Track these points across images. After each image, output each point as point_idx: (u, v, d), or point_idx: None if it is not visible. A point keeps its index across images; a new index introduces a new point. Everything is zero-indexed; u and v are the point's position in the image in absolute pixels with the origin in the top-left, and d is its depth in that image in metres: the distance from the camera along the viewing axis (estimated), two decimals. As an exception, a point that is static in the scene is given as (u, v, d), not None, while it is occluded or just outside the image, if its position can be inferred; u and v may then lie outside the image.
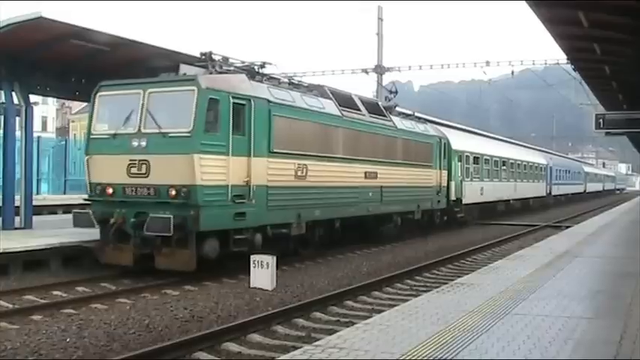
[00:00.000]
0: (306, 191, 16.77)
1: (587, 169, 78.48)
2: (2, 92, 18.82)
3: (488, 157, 34.46)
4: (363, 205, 19.89)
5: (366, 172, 20.03)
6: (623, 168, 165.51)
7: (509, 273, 11.86)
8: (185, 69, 14.68)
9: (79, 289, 13.14)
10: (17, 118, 18.19)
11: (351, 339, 6.93)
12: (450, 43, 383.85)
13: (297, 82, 18.47)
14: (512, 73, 39.19)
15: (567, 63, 23.88)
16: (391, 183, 21.63)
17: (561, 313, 8.39)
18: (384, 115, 22.04)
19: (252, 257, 13.56)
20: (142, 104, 13.92)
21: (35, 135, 21.21)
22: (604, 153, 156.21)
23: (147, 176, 13.65)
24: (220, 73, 15.00)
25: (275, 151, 15.45)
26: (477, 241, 23.25)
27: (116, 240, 14.00)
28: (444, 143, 27.25)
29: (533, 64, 38.77)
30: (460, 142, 30.87)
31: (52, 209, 26.37)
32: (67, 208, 23.60)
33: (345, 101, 19.55)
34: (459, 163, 29.44)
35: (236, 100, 14.25)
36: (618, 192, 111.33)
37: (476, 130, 46.50)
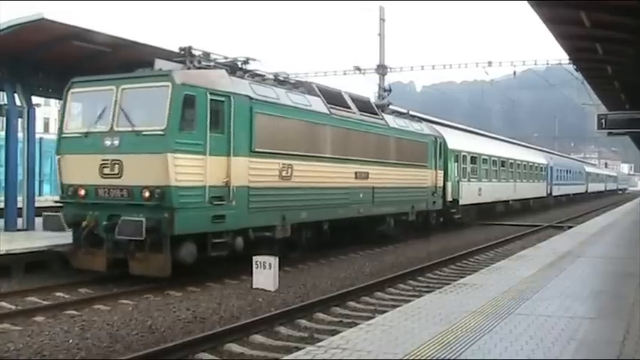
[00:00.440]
0: (291, 192, 16.10)
1: (588, 169, 78.32)
2: (4, 94, 18.85)
3: (486, 157, 33.83)
4: (353, 207, 19.25)
5: (356, 173, 19.40)
6: (625, 168, 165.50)
7: (511, 273, 11.86)
8: (161, 64, 14.04)
9: (82, 290, 13.16)
10: (19, 120, 18.23)
11: (354, 340, 6.92)
12: (452, 43, 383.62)
13: (283, 79, 17.85)
14: (515, 73, 39.19)
15: (569, 63, 23.89)
16: (383, 183, 20.99)
17: (564, 313, 8.39)
18: (376, 114, 21.42)
19: (255, 258, 13.54)
20: (115, 101, 13.35)
21: (37, 136, 21.22)
22: (606, 153, 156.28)
23: (120, 177, 13.07)
24: (200, 68, 14.44)
25: (257, 150, 14.82)
26: (479, 242, 23.25)
27: (89, 244, 13.40)
28: (440, 142, 26.65)
29: (535, 64, 38.78)
30: (457, 141, 30.25)
31: (54, 211, 26.31)
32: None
33: (333, 98, 18.93)
34: (456, 163, 28.89)
35: (214, 97, 13.66)
36: (620, 192, 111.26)
37: (474, 130, 45.85)
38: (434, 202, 25.59)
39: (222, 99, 13.91)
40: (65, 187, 14.03)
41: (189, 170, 13.04)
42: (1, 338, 9.21)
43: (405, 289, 14.39)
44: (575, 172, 65.19)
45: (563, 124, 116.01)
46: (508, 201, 37.94)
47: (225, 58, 15.85)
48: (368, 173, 20.01)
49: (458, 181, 28.80)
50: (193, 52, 14.75)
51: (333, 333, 8.70)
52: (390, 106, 24.79)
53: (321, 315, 11.35)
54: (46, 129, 70.06)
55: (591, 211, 43.68)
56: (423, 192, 24.51)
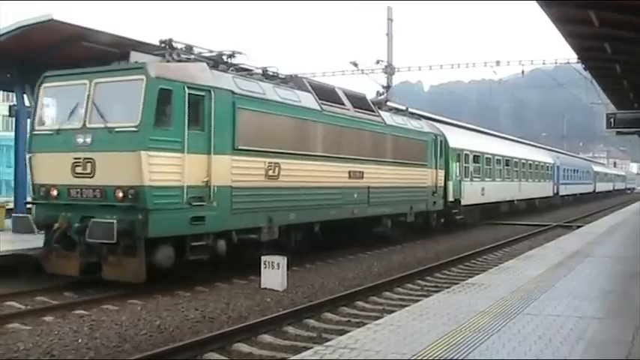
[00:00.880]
0: (278, 192, 15.35)
1: (596, 168, 77.91)
2: (14, 94, 18.95)
3: (489, 156, 32.90)
4: (347, 208, 18.47)
5: (350, 172, 18.60)
6: (634, 167, 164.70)
7: (520, 273, 11.84)
8: (137, 57, 13.33)
9: (90, 290, 13.16)
10: (29, 120, 18.28)
11: (362, 339, 6.93)
12: (460, 42, 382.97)
13: (272, 74, 16.96)
14: (523, 72, 39.10)
15: (578, 62, 23.81)
16: (379, 183, 20.20)
17: (573, 313, 8.37)
18: (372, 110, 20.55)
19: (263, 258, 13.53)
20: (88, 96, 12.67)
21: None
22: (615, 152, 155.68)
23: (92, 176, 12.40)
24: (180, 62, 13.76)
25: (240, 148, 14.09)
26: (487, 242, 23.22)
27: (62, 247, 12.74)
28: (441, 141, 25.79)
29: (544, 63, 38.67)
30: (459, 139, 29.37)
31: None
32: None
33: (325, 94, 18.10)
34: (458, 162, 28.01)
35: (193, 91, 12.93)
36: (629, 192, 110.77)
37: (477, 128, 44.84)
38: (434, 203, 24.76)
39: (202, 93, 13.22)
40: (37, 187, 13.35)
41: (165, 169, 12.37)
42: (10, 338, 9.26)
43: (413, 288, 14.39)
44: (583, 172, 64.76)
45: (572, 124, 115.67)
46: (513, 201, 37.03)
47: (211, 51, 15.26)
48: (363, 172, 19.26)
49: (460, 181, 27.95)
50: (175, 44, 14.17)
51: (342, 333, 8.70)
52: (388, 103, 24.07)
53: (329, 315, 11.37)
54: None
55: (599, 211, 43.50)
56: (422, 192, 23.73)
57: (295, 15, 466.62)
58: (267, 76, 16.75)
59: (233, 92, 14.09)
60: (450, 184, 26.75)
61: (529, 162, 41.31)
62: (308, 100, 17.11)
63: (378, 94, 24.51)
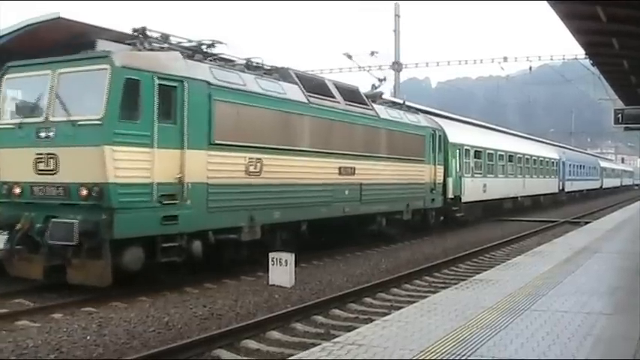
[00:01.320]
0: (260, 190, 14.48)
1: (603, 164, 77.40)
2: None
3: (492, 152, 31.82)
4: (337, 205, 17.55)
5: (340, 168, 17.70)
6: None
7: (528, 269, 11.84)
8: (104, 45, 12.49)
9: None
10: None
11: (370, 336, 6.94)
12: (467, 39, 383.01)
13: (256, 65, 16.07)
14: (530, 68, 39.12)
15: (585, 58, 23.68)
16: (373, 180, 19.26)
17: (580, 309, 8.36)
18: (365, 104, 19.55)
19: (271, 255, 13.56)
20: (51, 87, 11.89)
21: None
22: (623, 148, 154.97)
23: (55, 173, 11.64)
24: (152, 50, 12.93)
25: (217, 142, 13.24)
26: (495, 238, 23.19)
27: (26, 249, 11.88)
28: (440, 136, 24.82)
29: (551, 59, 38.69)
30: (459, 134, 28.37)
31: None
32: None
33: (313, 86, 17.14)
34: (458, 158, 27.04)
35: (163, 82, 12.07)
36: (637, 187, 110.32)
37: (479, 123, 43.63)
38: (432, 200, 23.84)
39: (174, 84, 12.35)
40: None
41: (132, 165, 11.55)
42: (20, 335, 9.30)
43: (420, 285, 14.40)
44: (589, 167, 64.09)
45: (580, 120, 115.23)
46: (517, 198, 36.04)
47: (190, 41, 14.46)
48: (354, 168, 18.35)
49: (460, 177, 26.98)
50: (149, 33, 13.30)
51: (349, 329, 8.69)
52: (383, 96, 23.36)
53: (337, 311, 11.39)
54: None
55: (607, 207, 43.36)
56: (419, 189, 22.80)
57: (295, 15, 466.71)
58: (250, 67, 15.93)
59: (209, 83, 13.27)
60: (450, 180, 25.87)
61: (533, 157, 40.44)
62: (294, 92, 16.22)
63: (374, 87, 23.63)
